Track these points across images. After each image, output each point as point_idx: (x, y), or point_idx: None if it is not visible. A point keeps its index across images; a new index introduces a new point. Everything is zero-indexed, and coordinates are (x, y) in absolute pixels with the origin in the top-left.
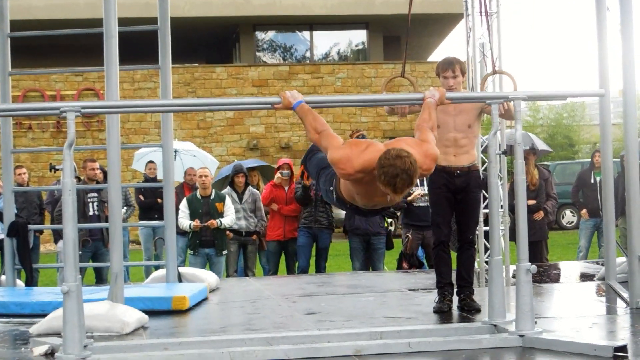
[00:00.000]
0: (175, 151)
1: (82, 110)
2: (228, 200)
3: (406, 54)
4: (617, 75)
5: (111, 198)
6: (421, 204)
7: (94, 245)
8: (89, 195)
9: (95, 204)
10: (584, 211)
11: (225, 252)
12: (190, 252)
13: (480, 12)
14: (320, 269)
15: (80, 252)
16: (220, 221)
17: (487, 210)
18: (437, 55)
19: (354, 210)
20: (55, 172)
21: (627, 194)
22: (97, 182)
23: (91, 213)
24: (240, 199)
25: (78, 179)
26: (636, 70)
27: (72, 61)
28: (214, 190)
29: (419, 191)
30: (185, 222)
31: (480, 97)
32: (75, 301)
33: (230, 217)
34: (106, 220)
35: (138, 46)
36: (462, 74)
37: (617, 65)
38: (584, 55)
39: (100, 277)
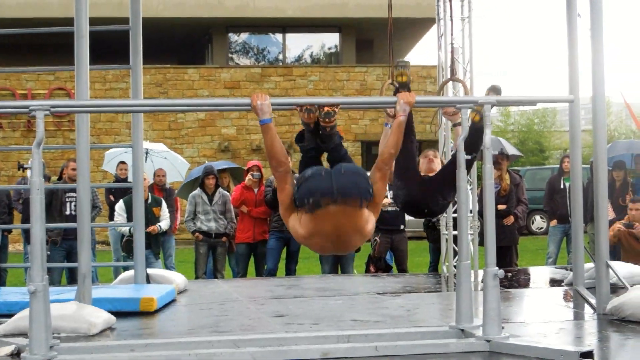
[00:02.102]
0: (147, 152)
1: (52, 109)
2: (164, 204)
3: (392, 58)
4: (588, 81)
5: (80, 198)
6: (389, 209)
7: (68, 244)
8: (68, 195)
9: (73, 203)
10: (553, 221)
11: (161, 254)
12: (125, 254)
13: (452, 16)
14: (290, 271)
15: (48, 253)
16: (160, 226)
17: (456, 215)
18: (410, 58)
19: None
20: (23, 171)
21: (595, 200)
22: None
23: (68, 212)
24: (211, 200)
25: (47, 177)
26: (606, 76)
27: (43, 60)
28: (150, 194)
29: (388, 199)
30: (124, 227)
31: (449, 101)
32: (42, 301)
33: (166, 221)
34: None
35: (110, 46)
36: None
37: (588, 71)
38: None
39: (73, 277)
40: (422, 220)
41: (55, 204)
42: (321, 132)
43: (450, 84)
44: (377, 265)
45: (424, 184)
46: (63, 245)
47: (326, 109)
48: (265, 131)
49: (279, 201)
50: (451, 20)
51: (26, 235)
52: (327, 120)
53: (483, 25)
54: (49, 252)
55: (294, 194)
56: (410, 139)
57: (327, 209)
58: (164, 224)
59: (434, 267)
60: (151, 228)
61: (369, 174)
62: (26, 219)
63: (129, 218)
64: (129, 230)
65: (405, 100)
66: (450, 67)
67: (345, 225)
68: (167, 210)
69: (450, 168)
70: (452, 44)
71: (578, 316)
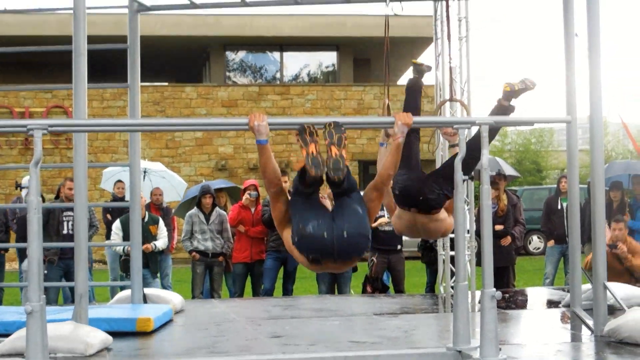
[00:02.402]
0: (145, 171)
1: (50, 129)
2: (161, 222)
3: (387, 77)
4: (585, 101)
5: (77, 217)
6: (387, 229)
7: (65, 264)
8: (65, 213)
9: (70, 222)
10: (551, 242)
11: (158, 273)
12: (123, 274)
13: (449, 36)
14: (287, 291)
15: (46, 272)
16: (155, 244)
17: (453, 235)
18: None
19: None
20: (21, 190)
21: (592, 221)
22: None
23: (65, 232)
24: (207, 220)
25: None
26: (603, 96)
27: (41, 78)
28: (147, 213)
29: (384, 219)
30: (119, 247)
31: (447, 122)
32: (38, 321)
33: (163, 240)
34: None
35: (108, 64)
36: None
37: (585, 90)
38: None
39: (71, 296)
40: (419, 240)
41: (52, 223)
42: (331, 181)
43: (447, 103)
44: (374, 285)
45: (424, 174)
46: (60, 264)
47: (333, 154)
48: (261, 152)
49: (272, 217)
50: (449, 39)
51: (20, 254)
52: (336, 177)
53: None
54: (46, 272)
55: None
56: (415, 135)
57: (325, 264)
58: (161, 242)
59: (431, 287)
60: (145, 246)
61: (363, 193)
62: (20, 237)
63: (126, 237)
64: (124, 249)
65: (403, 122)
66: (449, 87)
67: (340, 268)
68: (164, 228)
69: (449, 162)
70: (450, 64)
71: (575, 338)
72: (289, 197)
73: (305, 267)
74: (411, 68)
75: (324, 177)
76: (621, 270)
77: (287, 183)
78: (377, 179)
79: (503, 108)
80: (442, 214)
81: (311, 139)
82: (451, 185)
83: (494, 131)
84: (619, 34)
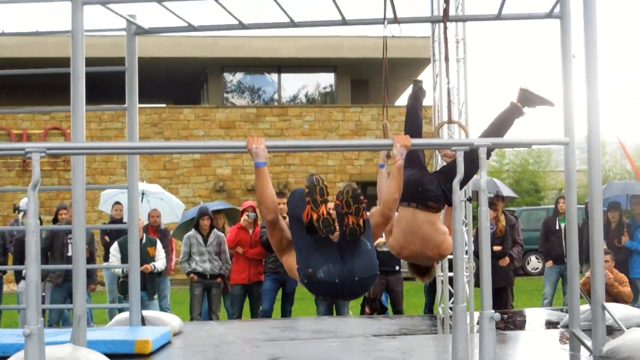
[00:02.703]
0: (143, 193)
1: (48, 152)
2: (159, 244)
3: (386, 99)
4: (583, 121)
5: (75, 240)
6: (384, 249)
7: (68, 285)
8: (70, 236)
9: None
10: (549, 262)
11: (155, 295)
12: (121, 296)
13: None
14: (286, 313)
15: (43, 294)
16: (154, 265)
17: (451, 257)
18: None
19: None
20: (19, 213)
21: (591, 241)
22: None
23: (70, 254)
24: (205, 241)
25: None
26: (600, 117)
27: (39, 100)
28: (144, 235)
29: (382, 239)
30: (118, 269)
31: (445, 143)
32: (37, 344)
33: (161, 261)
34: (87, 262)
35: (106, 85)
36: None
37: (583, 111)
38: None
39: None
40: None
41: (57, 245)
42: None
43: (445, 125)
44: (373, 306)
45: (427, 171)
46: (65, 286)
47: (351, 222)
48: (259, 175)
49: (270, 243)
50: (446, 61)
51: (17, 275)
52: (352, 239)
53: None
54: (43, 294)
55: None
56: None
57: (333, 300)
58: (159, 263)
59: (430, 308)
60: (144, 267)
61: (369, 214)
62: (16, 259)
63: (124, 259)
64: (122, 271)
65: (401, 144)
66: (447, 109)
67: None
68: (162, 250)
69: (450, 164)
70: (448, 86)
71: (574, 358)
72: (288, 224)
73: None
74: (411, 86)
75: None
76: (608, 300)
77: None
78: (384, 207)
79: (513, 109)
80: (442, 226)
81: (322, 200)
82: (450, 183)
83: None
84: (617, 38)
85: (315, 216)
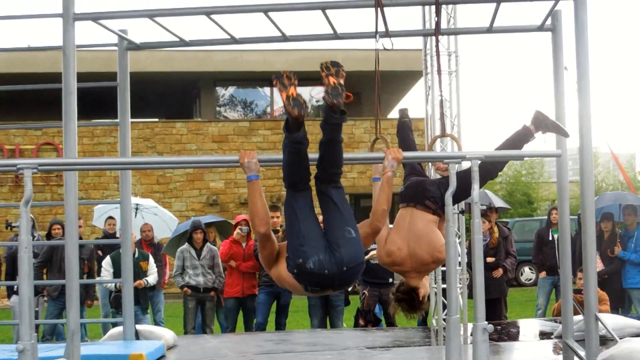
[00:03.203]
0: (137, 208)
1: (40, 168)
2: (151, 259)
3: (379, 111)
4: (575, 132)
5: (68, 255)
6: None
7: (64, 299)
8: None
9: None
10: (542, 273)
11: (149, 309)
12: (114, 310)
13: (439, 70)
14: (280, 326)
15: (37, 309)
16: (147, 280)
17: (444, 269)
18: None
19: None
20: (11, 229)
21: (583, 252)
22: None
23: None
24: (199, 255)
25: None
26: (592, 128)
27: (32, 115)
28: (137, 249)
29: (373, 252)
30: (110, 283)
31: (437, 156)
32: None
33: (153, 275)
34: (86, 277)
35: (99, 100)
36: None
37: (575, 122)
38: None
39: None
40: None
41: (55, 260)
42: (326, 118)
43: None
44: (367, 318)
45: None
46: (61, 299)
47: (331, 82)
48: (251, 188)
49: (260, 257)
50: (439, 74)
51: (8, 290)
52: (336, 101)
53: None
54: (37, 309)
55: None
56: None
57: (322, 292)
58: (152, 278)
59: (423, 320)
60: (137, 283)
61: (359, 225)
62: (7, 274)
63: (116, 273)
64: (115, 285)
65: (393, 157)
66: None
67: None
68: (154, 264)
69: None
70: (441, 99)
71: None
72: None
73: (299, 293)
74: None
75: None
76: None
77: (279, 219)
78: (372, 218)
79: (525, 132)
80: (438, 230)
81: (289, 82)
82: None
83: (500, 164)
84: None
85: (284, 96)
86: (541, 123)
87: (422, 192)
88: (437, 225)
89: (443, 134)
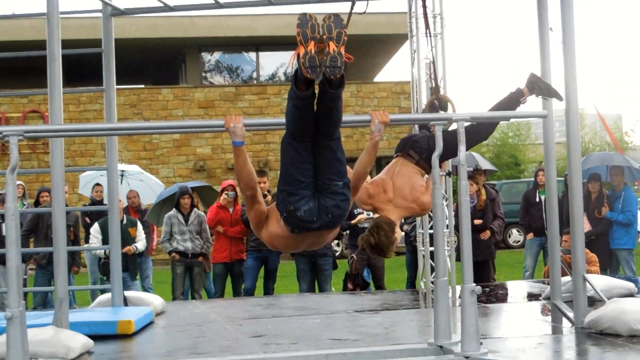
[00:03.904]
0: (122, 174)
1: (25, 135)
2: (140, 225)
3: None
4: (561, 93)
5: (55, 222)
6: (366, 225)
7: (52, 268)
8: None
9: None
10: (530, 234)
11: (138, 276)
12: (103, 277)
13: (427, 33)
14: (268, 290)
15: (25, 277)
16: (136, 247)
17: (432, 231)
18: (383, 75)
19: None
20: None
21: (571, 213)
22: None
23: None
24: (186, 220)
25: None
26: (578, 89)
27: (17, 83)
28: (125, 216)
29: (364, 215)
30: (99, 250)
31: (423, 118)
32: (18, 327)
33: (142, 242)
34: (71, 244)
35: (84, 67)
36: None
37: (560, 83)
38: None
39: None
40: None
41: (41, 227)
42: (322, 90)
43: (418, 100)
44: (355, 282)
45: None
46: (48, 268)
47: (331, 50)
48: (237, 154)
49: (248, 219)
50: (429, 36)
51: None
52: (333, 76)
53: (456, 41)
54: (25, 277)
55: (279, 216)
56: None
57: (310, 233)
58: (140, 244)
59: (412, 283)
60: (127, 249)
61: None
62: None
63: (105, 240)
64: (105, 252)
65: (380, 120)
66: (434, 84)
67: (322, 236)
68: (142, 231)
69: (452, 133)
70: (432, 59)
71: (556, 330)
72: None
73: (289, 250)
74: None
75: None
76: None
77: (266, 184)
78: (353, 177)
79: (517, 94)
80: (420, 179)
81: (312, 36)
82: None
83: (490, 127)
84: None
85: (302, 51)
86: (534, 85)
87: (410, 143)
88: (422, 177)
89: (437, 96)
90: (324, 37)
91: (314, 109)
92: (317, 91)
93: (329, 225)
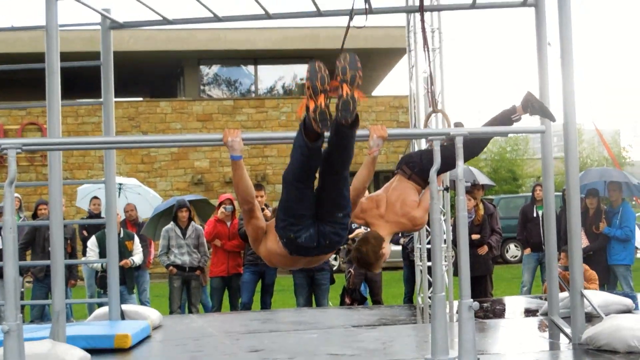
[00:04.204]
0: (120, 187)
1: (24, 148)
2: (137, 238)
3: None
4: (559, 108)
5: (53, 235)
6: None
7: (50, 281)
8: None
9: None
10: (527, 249)
11: (135, 289)
12: (100, 290)
13: (424, 48)
14: (265, 305)
15: (22, 290)
16: (133, 260)
17: (429, 246)
18: (381, 89)
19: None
20: None
21: (568, 228)
22: None
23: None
24: (184, 234)
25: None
26: (576, 104)
27: (16, 95)
28: (122, 229)
29: (361, 230)
30: (96, 263)
31: (421, 133)
32: (15, 340)
33: (139, 255)
34: (69, 257)
35: (83, 79)
36: None
37: (559, 98)
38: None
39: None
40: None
41: (38, 240)
42: (336, 130)
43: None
44: (352, 296)
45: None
46: (46, 281)
47: (344, 93)
48: (234, 167)
49: (246, 233)
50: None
51: None
52: (344, 121)
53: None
54: (22, 290)
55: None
56: None
57: (303, 258)
58: (137, 258)
59: (409, 298)
60: (123, 262)
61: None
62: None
63: (102, 253)
64: (102, 265)
65: (378, 135)
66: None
67: (319, 256)
68: (139, 244)
69: (449, 148)
70: (430, 74)
71: (554, 346)
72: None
73: (287, 267)
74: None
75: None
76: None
77: (264, 197)
78: (352, 193)
79: (512, 111)
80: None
81: (322, 88)
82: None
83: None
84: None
85: (312, 105)
86: (528, 104)
87: (405, 159)
88: (416, 192)
89: (434, 110)
90: (338, 78)
91: (321, 156)
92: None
93: (327, 251)
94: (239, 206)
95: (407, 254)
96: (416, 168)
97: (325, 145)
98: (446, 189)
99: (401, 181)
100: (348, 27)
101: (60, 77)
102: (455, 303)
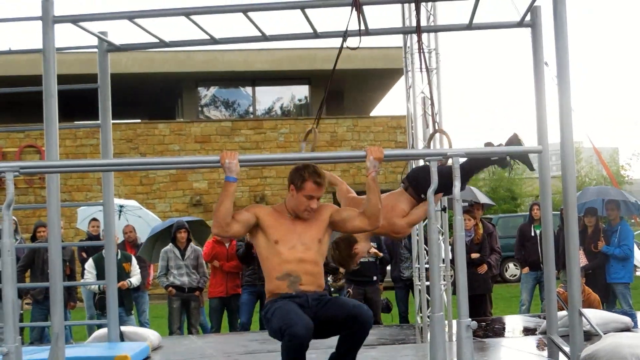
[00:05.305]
0: (121, 209)
1: (21, 171)
2: (134, 260)
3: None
4: (555, 127)
5: (51, 257)
6: (362, 260)
7: (49, 303)
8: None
9: None
10: (525, 268)
11: (133, 310)
12: (98, 312)
13: (421, 68)
14: (264, 325)
15: (21, 312)
16: (130, 281)
17: (428, 266)
18: (379, 110)
19: None
20: None
21: (567, 248)
22: None
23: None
24: (183, 255)
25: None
26: (573, 123)
27: (14, 117)
28: (119, 251)
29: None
30: (94, 285)
31: (417, 154)
32: None
33: (136, 276)
34: (67, 279)
35: (80, 101)
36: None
37: (556, 118)
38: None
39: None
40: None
41: (37, 262)
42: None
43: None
44: None
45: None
46: (45, 303)
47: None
48: (226, 187)
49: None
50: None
51: None
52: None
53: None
54: (21, 312)
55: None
56: None
57: None
58: (135, 279)
59: (404, 317)
60: (121, 284)
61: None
62: None
63: (99, 275)
64: (99, 287)
65: (374, 156)
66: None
67: None
68: (137, 265)
69: (447, 169)
70: (430, 95)
71: None
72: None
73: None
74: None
75: None
76: None
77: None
78: (369, 221)
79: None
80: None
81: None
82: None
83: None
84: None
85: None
86: (512, 144)
87: (410, 173)
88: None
89: (435, 131)
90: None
91: None
92: None
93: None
94: (212, 229)
95: (399, 274)
96: (413, 183)
97: None
98: (444, 209)
99: (401, 193)
100: (341, 48)
101: (58, 100)
102: (454, 322)
